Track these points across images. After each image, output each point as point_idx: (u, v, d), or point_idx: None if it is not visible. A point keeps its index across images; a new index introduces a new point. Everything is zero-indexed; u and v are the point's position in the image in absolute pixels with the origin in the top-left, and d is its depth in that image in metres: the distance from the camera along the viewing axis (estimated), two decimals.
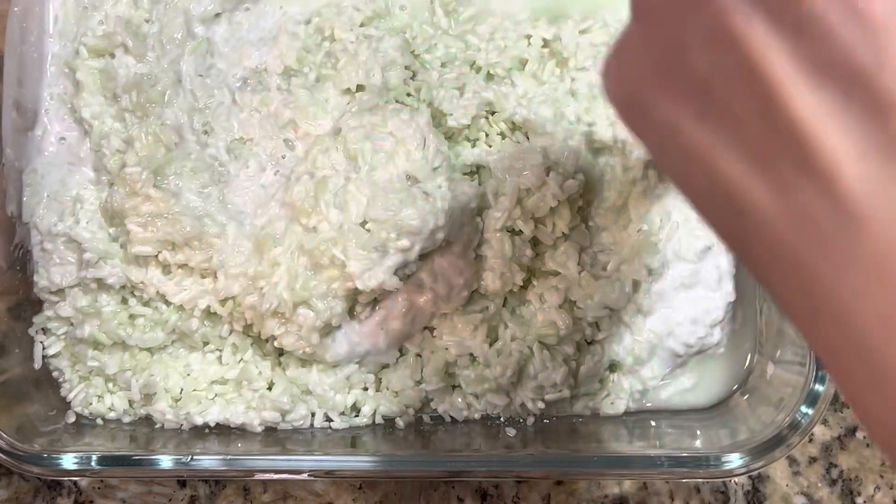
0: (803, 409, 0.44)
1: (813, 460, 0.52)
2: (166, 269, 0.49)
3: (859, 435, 0.52)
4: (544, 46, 0.51)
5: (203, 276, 0.48)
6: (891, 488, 0.52)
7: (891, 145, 0.20)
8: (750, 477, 0.51)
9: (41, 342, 0.50)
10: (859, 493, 0.52)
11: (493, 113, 0.50)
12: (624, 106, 0.25)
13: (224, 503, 0.52)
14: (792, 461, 0.52)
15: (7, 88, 0.50)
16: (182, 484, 0.52)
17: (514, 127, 0.50)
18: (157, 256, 0.48)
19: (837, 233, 0.21)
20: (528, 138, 0.49)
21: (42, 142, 0.50)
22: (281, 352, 0.50)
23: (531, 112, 0.49)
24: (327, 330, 0.48)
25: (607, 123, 0.49)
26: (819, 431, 0.52)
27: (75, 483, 0.52)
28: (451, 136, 0.50)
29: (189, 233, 0.47)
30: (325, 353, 0.48)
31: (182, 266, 0.48)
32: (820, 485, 0.52)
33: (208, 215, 0.48)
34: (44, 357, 0.50)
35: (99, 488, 0.52)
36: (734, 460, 0.44)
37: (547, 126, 0.49)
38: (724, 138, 0.22)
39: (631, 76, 0.24)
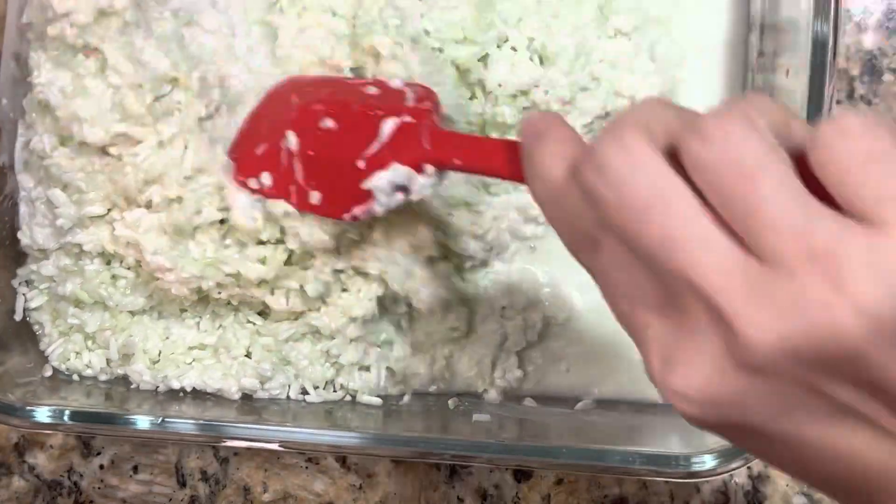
0: None
1: None
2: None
3: None
4: None
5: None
6: None
7: None
8: (750, 477, 0.50)
9: (24, 294, 0.50)
10: None
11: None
12: (721, 427, 0.25)
13: (224, 503, 0.52)
14: None
15: (8, 40, 0.50)
16: (182, 484, 0.52)
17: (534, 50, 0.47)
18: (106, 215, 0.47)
19: None
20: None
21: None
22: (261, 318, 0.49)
23: (551, 39, 0.46)
24: None
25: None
26: None
27: (75, 483, 0.53)
28: None
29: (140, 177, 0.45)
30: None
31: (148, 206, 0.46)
32: None
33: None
34: (25, 310, 0.50)
35: (99, 488, 0.53)
36: (707, 461, 0.43)
37: (561, 61, 0.46)
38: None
39: (740, 405, 0.24)
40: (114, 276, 0.49)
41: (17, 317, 0.50)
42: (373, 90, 0.43)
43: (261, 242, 0.46)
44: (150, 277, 0.47)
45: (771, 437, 0.24)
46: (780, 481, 0.51)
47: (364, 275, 0.47)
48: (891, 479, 0.23)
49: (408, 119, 0.40)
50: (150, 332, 0.49)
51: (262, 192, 0.44)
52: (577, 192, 0.26)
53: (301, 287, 0.47)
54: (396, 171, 0.40)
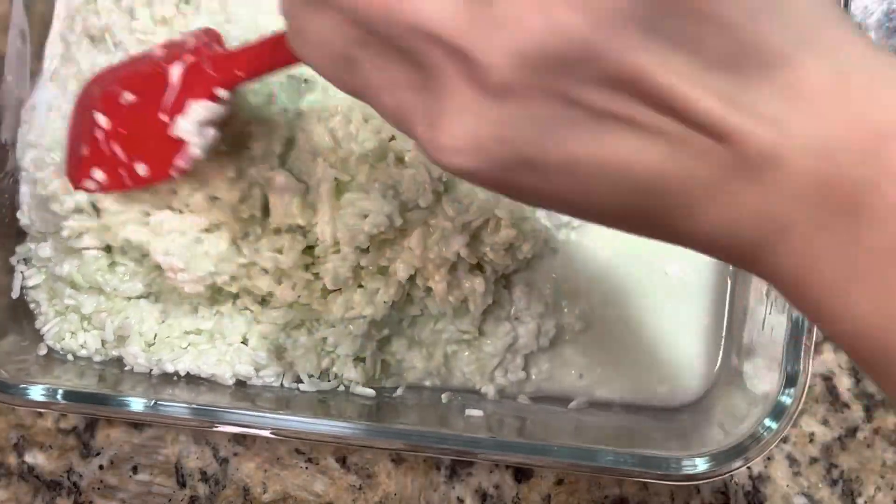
0: (767, 421, 0.42)
1: (814, 461, 0.51)
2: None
3: (860, 435, 0.51)
4: None
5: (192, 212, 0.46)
6: (891, 489, 0.51)
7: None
8: (750, 477, 0.50)
9: (22, 272, 0.50)
10: (860, 494, 0.51)
11: None
12: (502, 172, 0.25)
13: (224, 503, 0.52)
14: (792, 461, 0.51)
15: (15, 17, 0.50)
16: (182, 484, 0.52)
17: None
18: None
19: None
20: None
21: (42, 78, 0.50)
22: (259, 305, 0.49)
23: None
24: None
25: None
26: (820, 432, 0.51)
27: (75, 484, 0.53)
28: None
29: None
30: None
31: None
32: (821, 485, 0.51)
33: None
34: (22, 288, 0.50)
35: (98, 488, 0.53)
36: (699, 464, 0.42)
37: None
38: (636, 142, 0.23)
39: (508, 138, 0.24)
40: (113, 263, 0.48)
41: (15, 294, 0.50)
42: (158, 51, 0.43)
43: (277, 231, 0.46)
44: (152, 269, 0.47)
45: (546, 167, 0.24)
46: (781, 482, 0.51)
47: (385, 275, 0.47)
48: (670, 182, 0.23)
49: (190, 59, 0.42)
50: (147, 315, 0.49)
51: (101, 189, 0.44)
52: (323, 18, 0.26)
53: (315, 276, 0.46)
54: (193, 109, 0.41)
